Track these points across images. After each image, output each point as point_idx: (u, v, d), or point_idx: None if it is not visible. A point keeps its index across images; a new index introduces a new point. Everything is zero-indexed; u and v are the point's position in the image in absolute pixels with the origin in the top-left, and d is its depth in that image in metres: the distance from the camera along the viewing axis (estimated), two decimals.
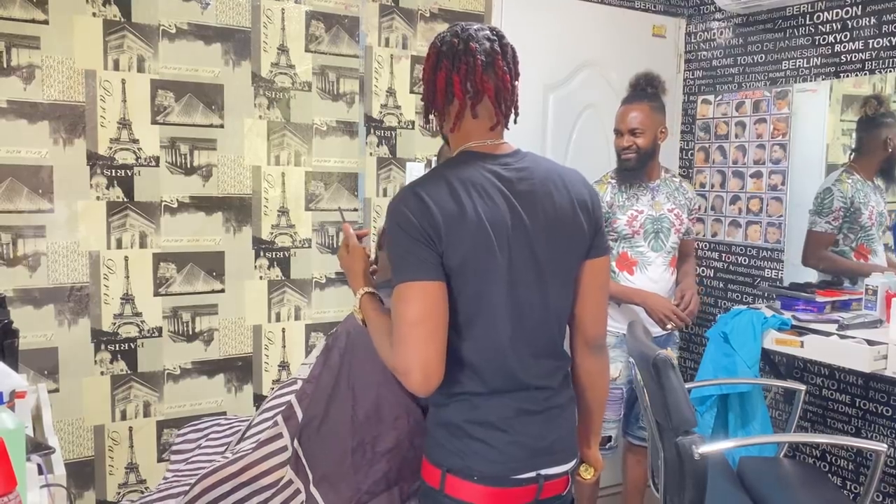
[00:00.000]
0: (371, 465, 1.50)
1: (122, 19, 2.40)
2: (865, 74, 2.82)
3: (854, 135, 2.98)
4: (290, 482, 1.55)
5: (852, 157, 2.96)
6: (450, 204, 1.26)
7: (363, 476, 1.50)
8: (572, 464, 1.42)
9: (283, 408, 1.65)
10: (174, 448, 1.92)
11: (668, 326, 2.54)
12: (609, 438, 2.63)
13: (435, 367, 1.25)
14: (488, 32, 1.36)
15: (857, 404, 2.87)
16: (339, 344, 1.60)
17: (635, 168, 2.57)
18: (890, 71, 2.74)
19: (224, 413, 2.62)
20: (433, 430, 1.38)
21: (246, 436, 1.71)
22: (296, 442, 1.57)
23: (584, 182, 1.43)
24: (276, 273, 2.72)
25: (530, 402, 1.35)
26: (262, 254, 2.69)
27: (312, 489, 1.52)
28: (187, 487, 1.61)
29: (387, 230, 1.32)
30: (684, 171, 3.51)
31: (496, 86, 1.34)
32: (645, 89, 2.59)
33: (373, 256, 1.66)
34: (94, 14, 2.35)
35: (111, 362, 2.46)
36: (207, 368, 2.62)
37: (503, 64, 1.34)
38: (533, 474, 1.34)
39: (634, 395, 2.58)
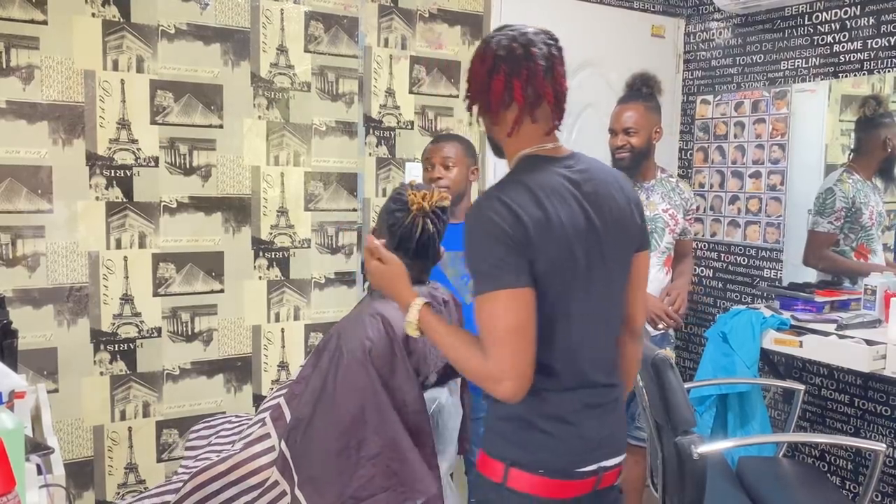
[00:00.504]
0: (356, 469, 1.50)
1: (122, 20, 2.40)
2: (864, 74, 2.82)
3: (853, 135, 2.98)
4: (277, 483, 1.55)
5: (851, 157, 2.96)
6: (535, 210, 1.27)
7: (347, 479, 1.49)
8: (625, 455, 1.44)
9: (272, 409, 1.65)
10: (187, 444, 1.92)
11: (660, 326, 2.54)
12: None
13: (529, 375, 1.26)
14: (545, 37, 1.37)
15: (855, 404, 2.87)
16: (330, 346, 1.60)
17: (629, 168, 2.56)
18: (888, 71, 2.74)
19: (224, 413, 2.62)
20: (495, 424, 1.38)
21: (243, 436, 1.71)
22: (283, 443, 1.57)
23: (627, 179, 1.48)
24: (275, 273, 2.72)
25: (596, 396, 1.37)
26: (261, 254, 2.69)
27: (297, 491, 1.51)
28: (181, 484, 1.62)
29: (469, 237, 1.30)
30: (683, 171, 3.51)
31: (555, 90, 1.35)
32: (640, 89, 2.59)
33: None
34: (93, 14, 2.35)
35: (110, 362, 2.46)
36: (207, 369, 2.62)
37: (562, 69, 1.36)
38: (594, 467, 1.35)
39: (631, 395, 2.58)
